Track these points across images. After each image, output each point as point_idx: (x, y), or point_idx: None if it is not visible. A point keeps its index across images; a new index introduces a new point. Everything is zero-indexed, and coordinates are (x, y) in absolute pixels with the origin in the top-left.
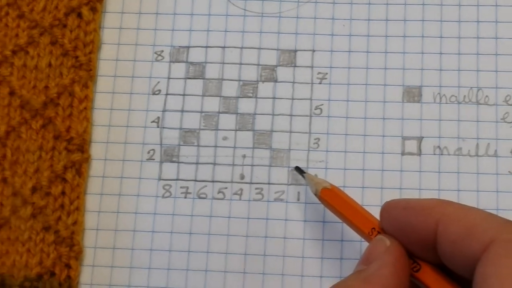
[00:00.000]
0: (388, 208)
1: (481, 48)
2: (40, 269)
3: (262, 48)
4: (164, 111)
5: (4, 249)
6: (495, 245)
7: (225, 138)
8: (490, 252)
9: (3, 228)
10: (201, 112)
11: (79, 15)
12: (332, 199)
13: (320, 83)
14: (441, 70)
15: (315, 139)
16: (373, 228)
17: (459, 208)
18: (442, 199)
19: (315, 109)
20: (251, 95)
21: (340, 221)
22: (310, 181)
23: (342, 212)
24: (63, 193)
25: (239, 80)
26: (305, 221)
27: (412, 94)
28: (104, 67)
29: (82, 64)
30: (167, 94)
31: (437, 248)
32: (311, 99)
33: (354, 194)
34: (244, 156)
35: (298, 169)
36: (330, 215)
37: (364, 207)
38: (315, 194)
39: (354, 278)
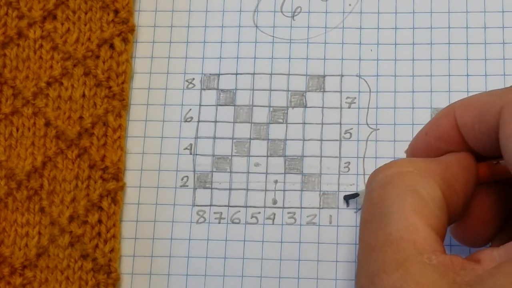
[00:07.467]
0: (413, 146)
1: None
2: None
3: (291, 74)
4: (196, 138)
5: (43, 277)
6: (506, 108)
7: (257, 165)
8: (504, 114)
9: (42, 256)
10: (233, 138)
11: (112, 46)
12: None
13: (349, 107)
14: (468, 91)
15: (345, 163)
16: None
17: (466, 99)
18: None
19: (344, 133)
20: (281, 120)
21: None
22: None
23: None
24: (99, 221)
25: (269, 106)
26: (337, 243)
27: None
28: (137, 96)
29: (115, 94)
30: (199, 121)
31: (469, 143)
32: (340, 124)
33: None
34: (276, 182)
35: (346, 197)
36: None
37: None
38: None
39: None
